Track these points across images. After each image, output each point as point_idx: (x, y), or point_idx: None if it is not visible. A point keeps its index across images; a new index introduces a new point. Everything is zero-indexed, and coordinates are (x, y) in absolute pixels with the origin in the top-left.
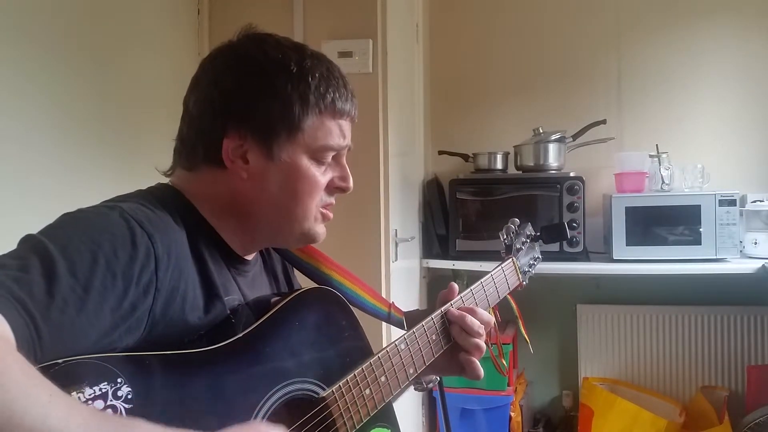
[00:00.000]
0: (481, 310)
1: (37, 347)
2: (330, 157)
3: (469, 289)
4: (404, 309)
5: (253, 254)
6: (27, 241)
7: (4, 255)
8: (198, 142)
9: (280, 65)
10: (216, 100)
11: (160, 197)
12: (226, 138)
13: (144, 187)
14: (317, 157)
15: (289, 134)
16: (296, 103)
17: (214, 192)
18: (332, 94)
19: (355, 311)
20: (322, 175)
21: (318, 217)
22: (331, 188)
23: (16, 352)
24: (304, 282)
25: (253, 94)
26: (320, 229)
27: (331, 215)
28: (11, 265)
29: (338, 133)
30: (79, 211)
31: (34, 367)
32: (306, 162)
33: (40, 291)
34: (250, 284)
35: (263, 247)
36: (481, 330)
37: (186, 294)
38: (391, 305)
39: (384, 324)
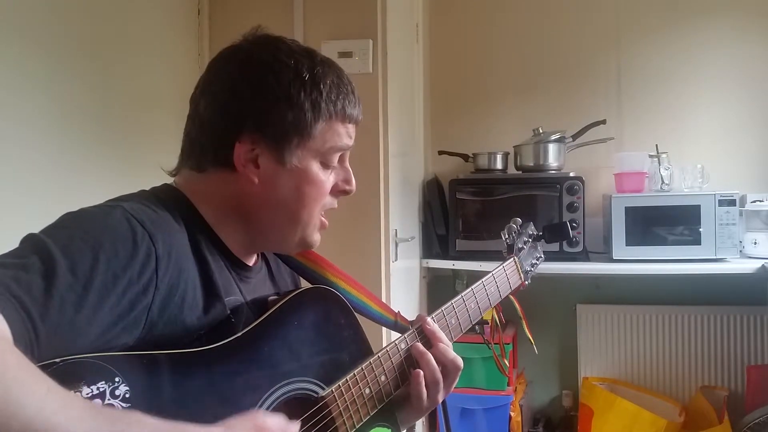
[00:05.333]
0: (449, 352)
1: (34, 345)
2: (336, 160)
3: (470, 288)
4: (404, 309)
5: (255, 259)
6: (28, 240)
7: (5, 254)
8: (208, 145)
9: (293, 72)
10: (230, 105)
11: (162, 198)
12: (239, 143)
13: (144, 187)
14: (325, 161)
15: (301, 140)
16: (308, 109)
17: (221, 194)
18: (342, 101)
19: (361, 319)
20: (328, 179)
21: (318, 224)
22: (336, 191)
23: (13, 347)
24: None
25: (267, 101)
26: (317, 236)
27: (327, 223)
28: (11, 264)
29: (345, 135)
30: (82, 210)
31: (32, 363)
32: (315, 166)
33: (39, 290)
34: (253, 290)
35: (261, 251)
36: (438, 379)
37: (185, 293)
38: (397, 314)
39: None
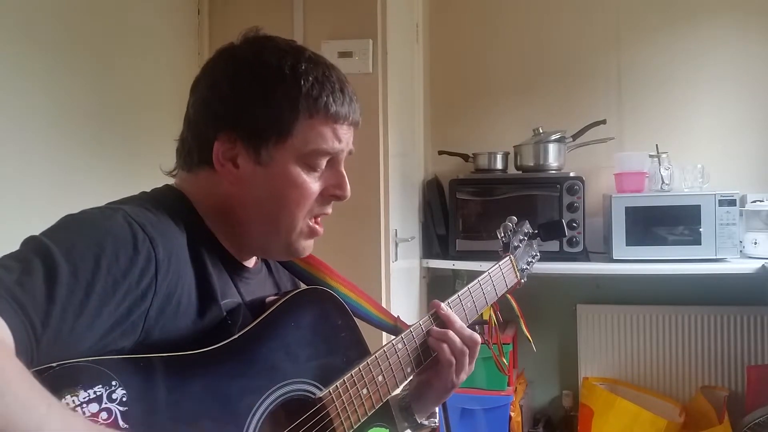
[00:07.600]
0: (465, 328)
1: (34, 352)
2: (323, 163)
3: (466, 288)
4: (404, 309)
5: (254, 261)
6: (30, 242)
7: (6, 256)
8: (194, 144)
9: (273, 70)
10: (211, 103)
11: (163, 200)
12: (217, 141)
13: (144, 188)
14: (309, 163)
15: (278, 139)
16: (286, 107)
17: (208, 194)
18: (326, 98)
19: (361, 324)
20: (313, 182)
21: (305, 231)
22: (326, 196)
23: (15, 358)
24: None
25: (244, 99)
26: (305, 244)
27: (320, 230)
28: (14, 268)
29: (331, 136)
30: (83, 212)
31: (32, 374)
32: (296, 168)
33: (42, 296)
34: (252, 292)
35: (254, 255)
36: (465, 350)
37: (181, 299)
38: (396, 318)
39: None
